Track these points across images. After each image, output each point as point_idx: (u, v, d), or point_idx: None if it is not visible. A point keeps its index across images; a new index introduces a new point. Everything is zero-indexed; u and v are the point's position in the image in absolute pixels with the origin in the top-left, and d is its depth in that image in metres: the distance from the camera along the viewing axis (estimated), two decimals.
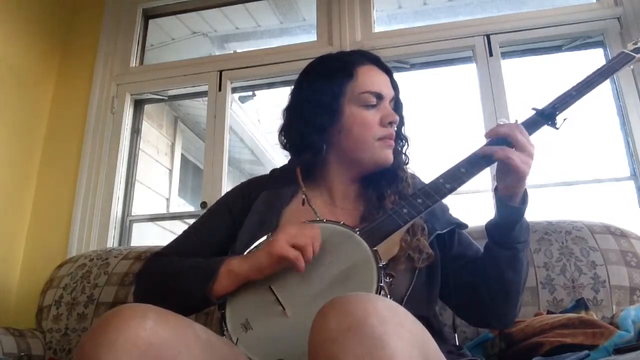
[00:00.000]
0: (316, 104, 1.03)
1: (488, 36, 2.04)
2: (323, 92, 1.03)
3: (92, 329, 0.66)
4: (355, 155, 1.04)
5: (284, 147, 1.11)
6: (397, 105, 1.09)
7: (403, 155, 1.10)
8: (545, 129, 0.97)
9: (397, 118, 1.04)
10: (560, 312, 1.23)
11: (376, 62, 1.08)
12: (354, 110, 1.02)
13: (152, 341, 0.65)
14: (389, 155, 1.03)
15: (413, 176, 1.09)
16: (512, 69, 2.04)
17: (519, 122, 0.95)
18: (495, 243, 0.95)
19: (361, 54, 1.10)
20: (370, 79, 1.04)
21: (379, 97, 1.03)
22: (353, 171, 1.07)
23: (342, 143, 1.03)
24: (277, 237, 0.85)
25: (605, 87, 1.94)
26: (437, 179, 0.93)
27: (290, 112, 1.09)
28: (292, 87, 1.12)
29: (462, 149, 0.97)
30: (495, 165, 0.94)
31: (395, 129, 1.06)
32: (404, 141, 1.11)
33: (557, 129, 0.97)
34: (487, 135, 0.93)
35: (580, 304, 1.24)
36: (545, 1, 2.28)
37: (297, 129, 1.06)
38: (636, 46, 1.12)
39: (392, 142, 1.04)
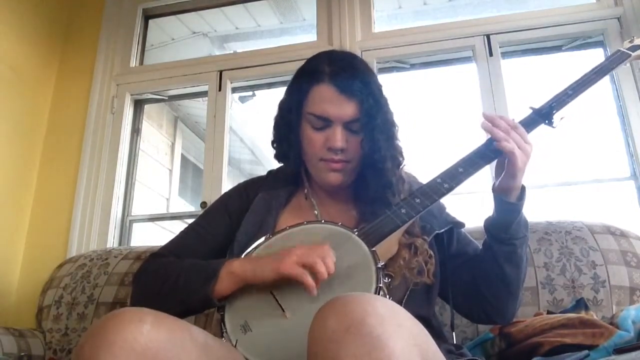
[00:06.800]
0: (283, 115, 1.06)
1: (488, 36, 2.04)
2: (289, 103, 1.04)
3: (90, 332, 0.67)
4: (308, 169, 1.06)
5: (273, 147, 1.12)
6: (366, 122, 0.98)
7: (391, 163, 1.01)
8: (543, 127, 0.98)
9: (341, 145, 0.97)
10: (560, 312, 1.22)
11: (338, 82, 0.97)
12: (305, 127, 1.01)
13: (149, 345, 0.65)
14: (330, 178, 1.00)
15: (409, 176, 1.09)
16: (512, 69, 2.04)
17: (517, 121, 0.96)
18: (494, 239, 0.95)
19: (328, 74, 0.99)
20: (319, 100, 0.98)
21: (326, 120, 0.98)
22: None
23: (303, 156, 1.05)
24: (287, 257, 0.83)
25: (606, 87, 1.94)
26: (435, 178, 0.93)
27: (274, 120, 1.10)
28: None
29: (461, 148, 0.97)
30: (494, 165, 0.94)
31: (352, 152, 0.99)
32: (387, 151, 1.00)
33: (554, 127, 0.97)
34: (484, 115, 0.93)
35: (580, 304, 1.24)
36: (545, 1, 2.28)
37: (274, 137, 1.09)
38: (632, 44, 1.13)
39: (337, 167, 0.99)
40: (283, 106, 1.07)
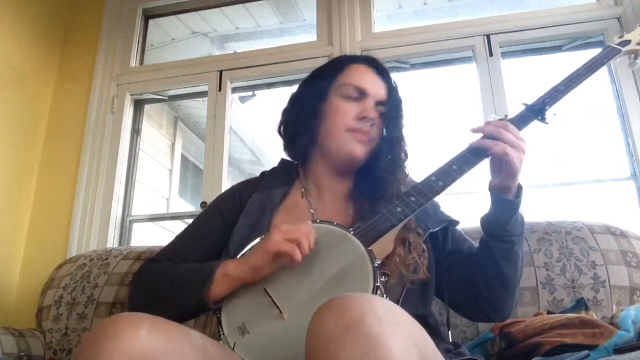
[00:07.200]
0: (310, 94, 1.09)
1: (488, 36, 2.03)
2: (317, 83, 1.09)
3: (86, 340, 0.67)
4: (327, 145, 1.06)
5: (281, 133, 1.15)
6: (390, 109, 1.07)
7: (399, 159, 1.06)
8: (537, 124, 0.98)
9: (374, 116, 1.03)
10: (560, 312, 1.22)
11: (373, 65, 1.10)
12: (335, 99, 1.06)
13: (146, 351, 0.65)
14: (356, 149, 1.03)
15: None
16: (512, 69, 2.04)
17: (510, 117, 0.97)
18: (491, 237, 0.96)
19: (363, 57, 1.13)
20: (357, 74, 1.07)
21: (362, 93, 1.05)
22: (333, 166, 1.08)
23: (322, 132, 1.06)
24: (271, 235, 0.85)
25: (606, 87, 1.94)
26: (430, 176, 0.94)
27: (291, 101, 1.14)
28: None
29: (461, 148, 0.97)
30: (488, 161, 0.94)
31: (377, 130, 1.04)
32: (399, 146, 1.06)
33: (546, 123, 0.98)
34: (473, 131, 0.94)
35: (580, 304, 1.24)
36: (545, 1, 2.28)
37: (295, 114, 1.11)
38: (622, 39, 1.14)
39: (364, 138, 1.03)
40: (309, 88, 1.11)
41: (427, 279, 0.97)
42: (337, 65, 1.10)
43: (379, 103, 1.06)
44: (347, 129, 1.03)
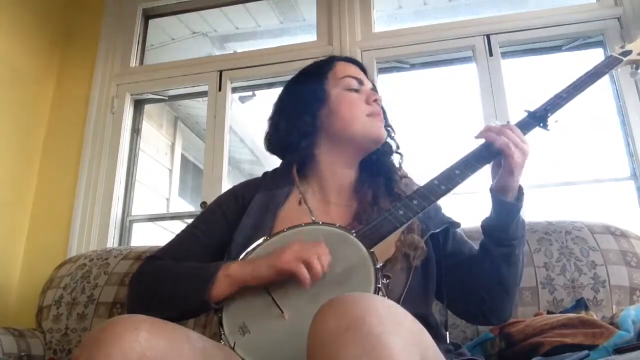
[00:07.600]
0: (304, 96, 1.09)
1: (488, 36, 2.04)
2: (307, 85, 1.10)
3: (85, 343, 0.66)
4: (347, 132, 1.06)
5: (272, 149, 1.15)
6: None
7: (394, 148, 1.14)
8: (538, 130, 0.99)
9: (381, 97, 1.09)
10: (560, 312, 1.22)
11: (355, 63, 1.17)
12: (339, 92, 1.08)
13: (147, 353, 0.64)
14: (380, 129, 1.07)
15: (407, 178, 1.10)
16: (512, 69, 2.04)
17: (511, 124, 0.98)
18: (492, 240, 0.96)
19: (345, 57, 1.21)
20: (350, 68, 1.12)
21: (360, 82, 1.10)
22: (346, 154, 1.08)
23: (333, 126, 1.06)
24: (283, 252, 0.84)
25: (606, 87, 1.94)
26: (432, 180, 0.94)
27: (278, 113, 1.13)
28: (275, 100, 1.18)
29: (461, 149, 0.97)
30: (489, 166, 0.95)
31: (382, 110, 1.10)
32: (392, 132, 1.15)
33: (548, 130, 0.99)
34: (478, 136, 0.95)
35: (580, 304, 1.24)
36: (545, 1, 2.28)
37: (287, 122, 1.09)
38: (623, 50, 1.16)
39: (382, 118, 1.08)
40: (299, 91, 1.12)
41: (428, 259, 0.98)
42: (327, 64, 1.13)
43: (372, 89, 1.11)
44: (366, 115, 1.06)
